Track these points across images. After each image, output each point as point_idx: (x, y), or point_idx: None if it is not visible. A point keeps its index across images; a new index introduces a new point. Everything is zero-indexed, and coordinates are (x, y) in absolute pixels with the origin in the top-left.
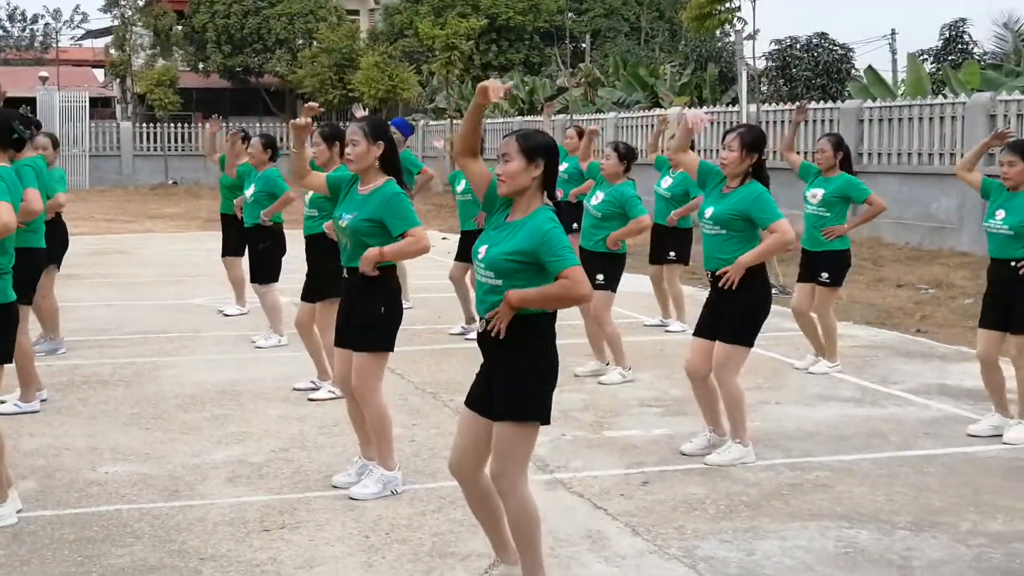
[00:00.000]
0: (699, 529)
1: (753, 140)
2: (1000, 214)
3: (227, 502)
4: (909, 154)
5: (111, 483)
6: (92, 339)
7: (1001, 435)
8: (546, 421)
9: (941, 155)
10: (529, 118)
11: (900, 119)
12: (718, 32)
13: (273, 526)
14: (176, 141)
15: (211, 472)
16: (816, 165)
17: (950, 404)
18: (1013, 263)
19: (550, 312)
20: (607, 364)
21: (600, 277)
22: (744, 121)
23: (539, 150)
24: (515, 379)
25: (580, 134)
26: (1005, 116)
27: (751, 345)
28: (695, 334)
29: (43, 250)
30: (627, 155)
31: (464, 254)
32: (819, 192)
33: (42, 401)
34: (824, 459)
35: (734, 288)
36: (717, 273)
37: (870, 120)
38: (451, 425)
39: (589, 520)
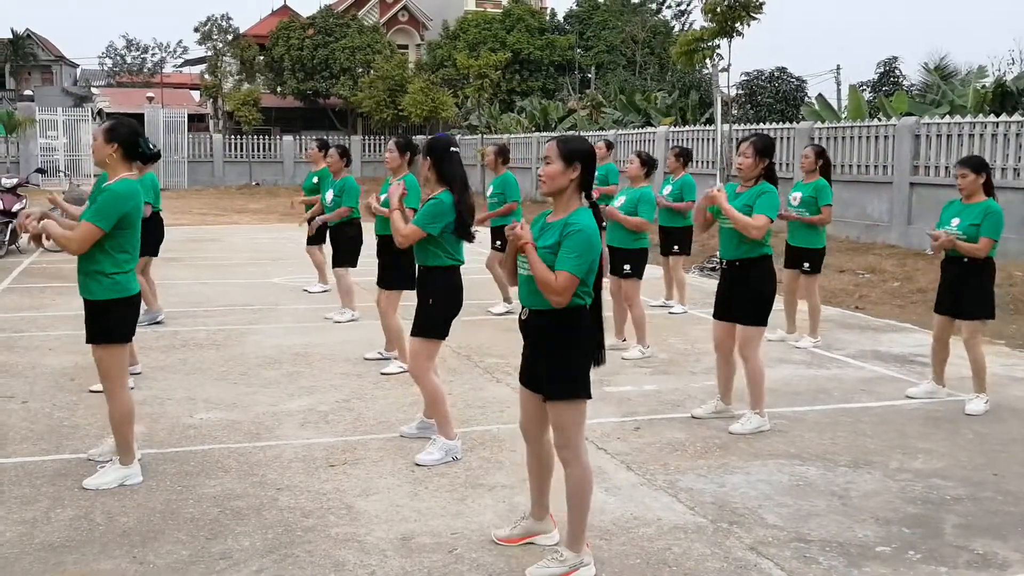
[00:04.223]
0: (680, 466)
1: (764, 147)
2: (955, 221)
3: (299, 443)
4: (851, 166)
5: (205, 427)
6: (189, 310)
7: (934, 399)
8: (590, 395)
9: (876, 167)
10: (544, 134)
11: (844, 137)
12: (697, 66)
13: (337, 462)
14: (258, 150)
15: (286, 418)
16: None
17: (881, 366)
18: (965, 259)
19: (586, 302)
20: (623, 340)
21: (627, 267)
22: (718, 138)
23: (576, 154)
24: (561, 362)
25: (608, 146)
26: (927, 136)
27: (765, 324)
28: (715, 317)
29: None
30: (648, 162)
31: (495, 245)
32: (799, 195)
33: (135, 375)
34: (780, 410)
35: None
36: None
37: (820, 138)
38: (481, 381)
39: (593, 458)
